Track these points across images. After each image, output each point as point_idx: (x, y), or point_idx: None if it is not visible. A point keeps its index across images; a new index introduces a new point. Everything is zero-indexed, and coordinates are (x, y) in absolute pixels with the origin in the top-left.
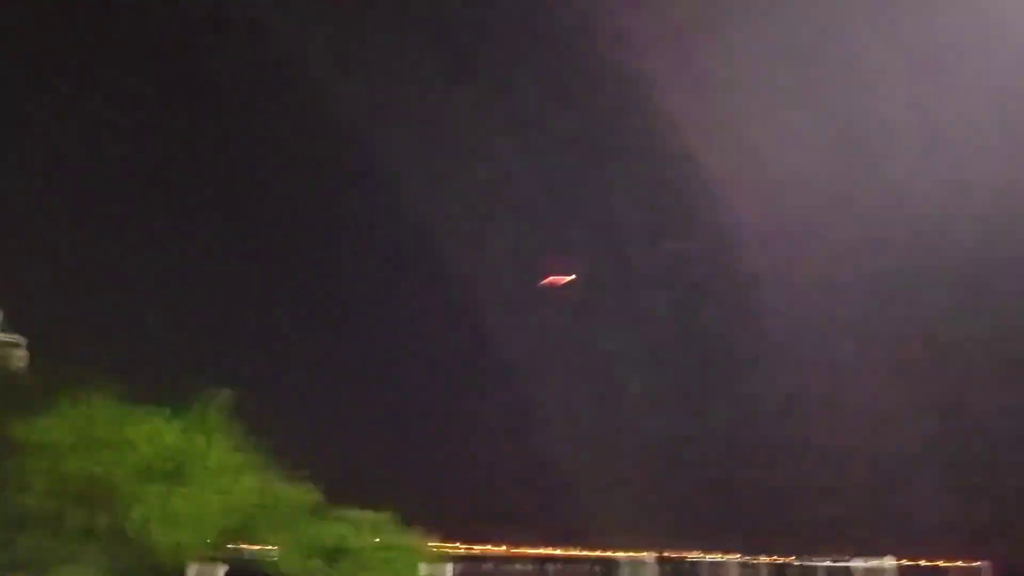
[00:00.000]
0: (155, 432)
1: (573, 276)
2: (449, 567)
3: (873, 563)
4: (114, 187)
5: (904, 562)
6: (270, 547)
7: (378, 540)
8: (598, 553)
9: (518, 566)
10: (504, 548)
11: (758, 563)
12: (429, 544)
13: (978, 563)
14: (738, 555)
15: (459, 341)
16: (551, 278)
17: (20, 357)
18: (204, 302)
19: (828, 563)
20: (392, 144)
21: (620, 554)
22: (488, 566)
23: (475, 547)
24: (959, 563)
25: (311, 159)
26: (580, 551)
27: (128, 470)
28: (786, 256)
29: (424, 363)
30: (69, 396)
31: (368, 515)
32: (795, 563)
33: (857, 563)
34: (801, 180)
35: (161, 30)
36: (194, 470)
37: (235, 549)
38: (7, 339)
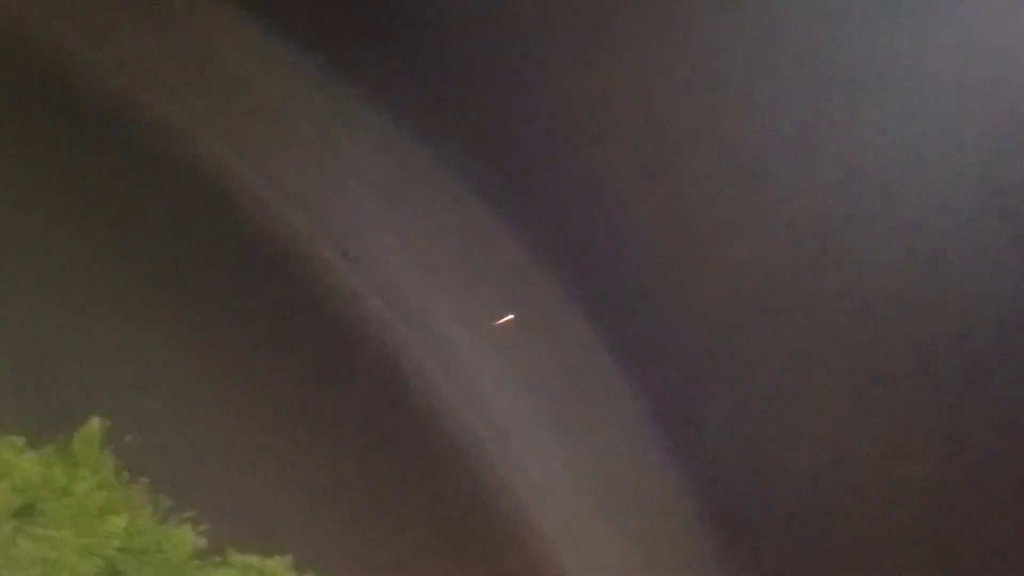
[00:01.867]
0: (4, 464)
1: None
2: None
3: None
4: None
5: None
6: None
7: None
8: None
9: None
10: None
11: None
12: None
13: None
14: None
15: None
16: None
17: None
18: (74, 309)
19: None
20: None
21: None
22: None
23: None
24: None
25: None
26: None
27: None
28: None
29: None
30: None
31: (260, 561)
32: None
33: None
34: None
35: None
36: (49, 508)
37: None
38: None
